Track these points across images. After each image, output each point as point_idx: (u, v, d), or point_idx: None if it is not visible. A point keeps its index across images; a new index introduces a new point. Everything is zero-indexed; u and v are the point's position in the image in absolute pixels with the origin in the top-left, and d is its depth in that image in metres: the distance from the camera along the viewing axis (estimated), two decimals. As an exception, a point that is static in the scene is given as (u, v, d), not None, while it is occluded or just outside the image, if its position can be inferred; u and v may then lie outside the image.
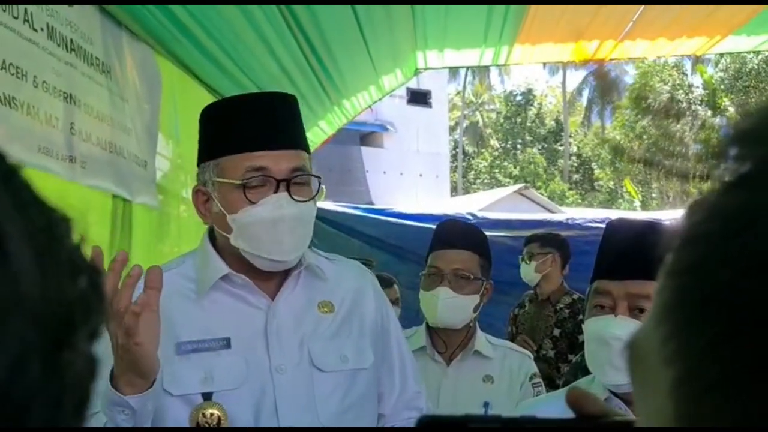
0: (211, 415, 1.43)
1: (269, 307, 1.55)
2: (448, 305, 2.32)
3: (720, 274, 0.31)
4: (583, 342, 4.12)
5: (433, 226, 2.56)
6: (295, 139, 1.55)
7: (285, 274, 1.58)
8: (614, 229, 1.56)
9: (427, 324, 2.44)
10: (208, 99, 3.56)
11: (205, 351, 1.48)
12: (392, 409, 1.66)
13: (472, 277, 2.34)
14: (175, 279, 1.51)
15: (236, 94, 1.72)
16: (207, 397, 1.45)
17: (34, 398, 0.28)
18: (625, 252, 1.45)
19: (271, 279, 1.57)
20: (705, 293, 0.32)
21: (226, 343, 1.49)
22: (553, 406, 1.30)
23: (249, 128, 1.50)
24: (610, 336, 1.44)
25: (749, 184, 0.32)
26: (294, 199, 1.49)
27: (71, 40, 2.24)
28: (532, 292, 4.27)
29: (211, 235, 1.60)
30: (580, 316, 3.98)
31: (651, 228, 1.51)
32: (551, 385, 3.75)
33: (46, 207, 0.32)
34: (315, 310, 1.59)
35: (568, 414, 0.48)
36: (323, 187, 1.60)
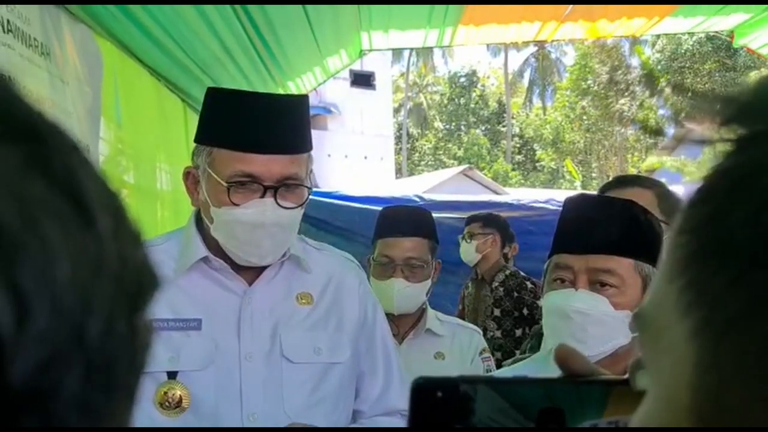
0: (173, 395, 1.43)
1: (245, 293, 1.53)
2: (404, 295, 2.35)
3: (734, 217, 0.32)
4: (521, 317, 4.11)
5: (380, 209, 2.56)
6: (294, 143, 1.50)
7: None
8: (575, 204, 1.53)
9: None
10: (151, 82, 3.48)
11: (174, 330, 1.47)
12: (371, 408, 1.63)
13: (425, 265, 2.38)
14: (157, 255, 1.50)
15: (246, 90, 1.66)
16: (172, 375, 1.44)
17: (120, 356, 0.30)
18: (587, 226, 1.44)
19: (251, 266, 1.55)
20: (721, 238, 0.32)
21: (197, 324, 1.48)
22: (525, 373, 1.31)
23: (247, 126, 1.45)
24: (572, 309, 1.43)
25: (747, 147, 0.33)
26: (280, 205, 1.46)
27: (8, 20, 2.17)
28: (473, 273, 4.32)
29: (198, 216, 1.58)
30: (515, 293, 4.03)
31: (611, 204, 1.52)
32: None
33: (105, 177, 0.33)
34: (293, 300, 1.57)
35: None
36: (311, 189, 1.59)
